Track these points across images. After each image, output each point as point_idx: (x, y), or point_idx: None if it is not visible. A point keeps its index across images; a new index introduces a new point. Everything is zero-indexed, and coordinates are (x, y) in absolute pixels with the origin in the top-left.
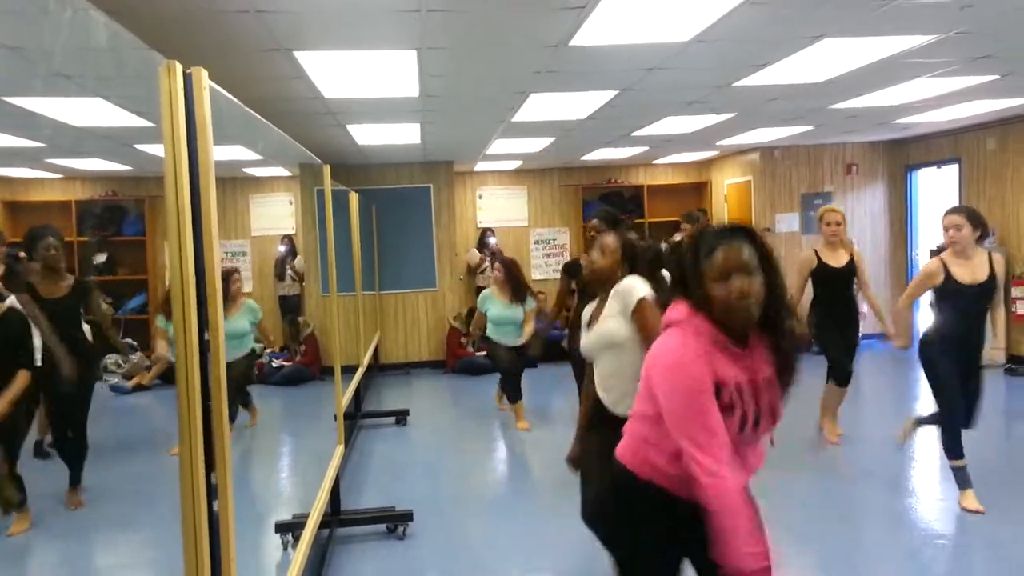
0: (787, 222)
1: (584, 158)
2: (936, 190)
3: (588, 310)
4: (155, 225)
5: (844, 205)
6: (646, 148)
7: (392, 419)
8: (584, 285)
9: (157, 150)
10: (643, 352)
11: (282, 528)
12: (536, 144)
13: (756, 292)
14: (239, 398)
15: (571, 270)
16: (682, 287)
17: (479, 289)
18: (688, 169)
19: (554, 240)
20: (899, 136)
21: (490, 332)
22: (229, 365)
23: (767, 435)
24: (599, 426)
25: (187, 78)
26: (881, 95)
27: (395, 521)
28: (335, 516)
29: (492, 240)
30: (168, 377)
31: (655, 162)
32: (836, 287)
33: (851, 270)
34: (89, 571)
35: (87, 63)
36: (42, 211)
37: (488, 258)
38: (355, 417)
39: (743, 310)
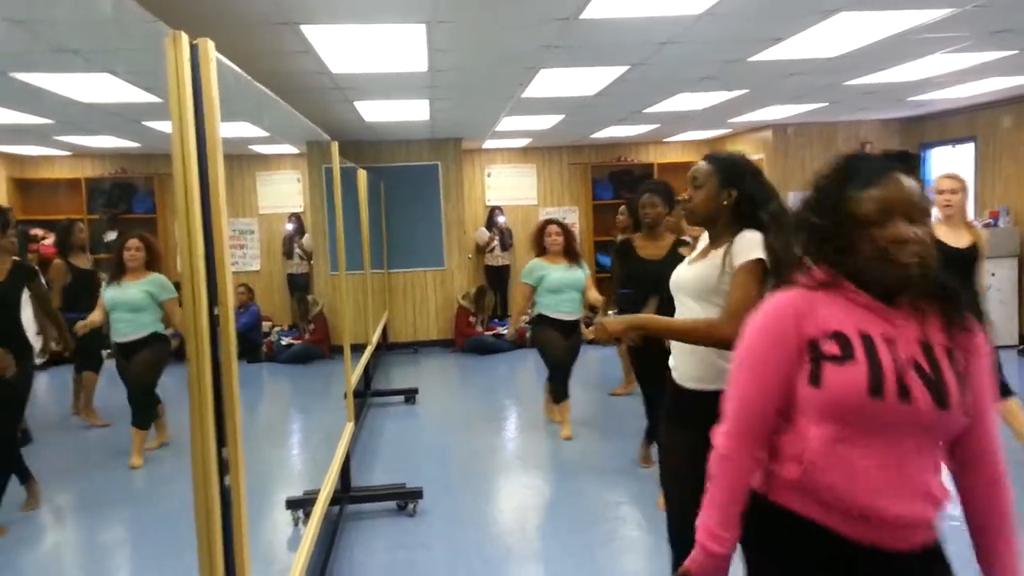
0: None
1: (594, 136)
2: (951, 169)
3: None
4: (165, 202)
5: None
6: (657, 125)
7: (401, 397)
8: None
9: (165, 127)
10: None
11: (293, 504)
12: (546, 121)
13: (926, 246)
14: (144, 399)
15: (623, 252)
16: (813, 247)
17: (488, 268)
18: (700, 147)
19: (563, 219)
20: (914, 114)
21: (544, 306)
22: (127, 349)
23: (939, 427)
24: (676, 415)
25: (193, 49)
26: (896, 71)
27: (405, 498)
28: (346, 493)
29: (501, 219)
30: (178, 353)
31: (666, 140)
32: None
33: (972, 255)
34: (99, 547)
35: (93, 36)
36: (51, 189)
37: (497, 237)
38: (364, 395)
39: (901, 266)
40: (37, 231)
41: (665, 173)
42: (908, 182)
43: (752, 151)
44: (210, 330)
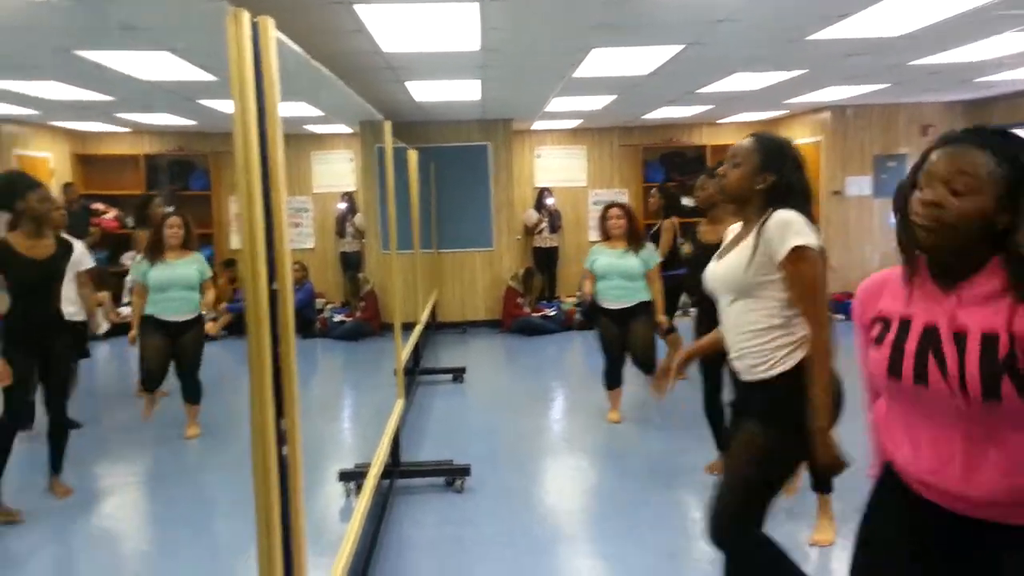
0: (858, 185)
1: (645, 117)
2: None
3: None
4: (220, 180)
5: None
6: (710, 106)
7: (449, 376)
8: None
9: (221, 105)
10: (784, 309)
11: (345, 476)
12: (597, 102)
13: (945, 210)
14: (196, 376)
15: (692, 236)
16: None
17: (536, 250)
18: (753, 129)
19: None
20: (980, 95)
21: (597, 293)
22: (178, 327)
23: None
24: (741, 405)
25: (254, 27)
26: (965, 51)
27: (453, 475)
28: (395, 467)
29: (550, 200)
30: (232, 328)
31: (719, 121)
32: None
33: None
34: (164, 515)
35: (156, 14)
36: (112, 165)
37: (545, 218)
38: (413, 373)
39: (916, 228)
40: (98, 205)
41: (717, 156)
42: (958, 151)
43: (809, 134)
44: (269, 305)
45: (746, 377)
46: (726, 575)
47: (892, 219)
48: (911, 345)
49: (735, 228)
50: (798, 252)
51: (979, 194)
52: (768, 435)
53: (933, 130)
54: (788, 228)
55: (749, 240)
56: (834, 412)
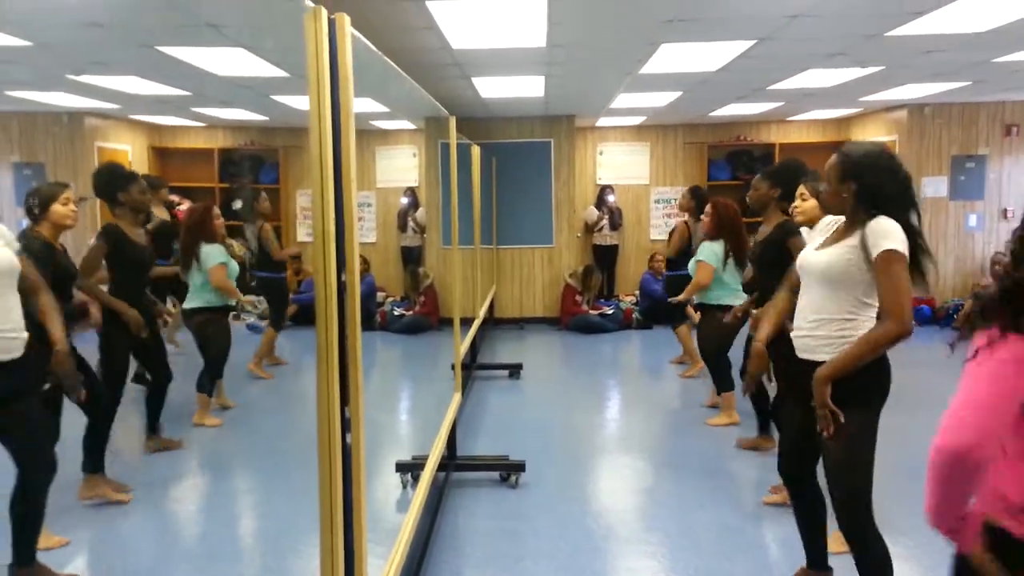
0: (934, 186)
1: (712, 114)
2: None
3: (820, 237)
4: (288, 174)
5: (1000, 170)
6: (781, 103)
7: (506, 372)
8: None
9: (292, 101)
10: (858, 306)
11: (402, 468)
12: (662, 98)
13: None
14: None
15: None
16: None
17: (596, 247)
18: (826, 126)
19: (675, 200)
20: None
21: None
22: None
23: None
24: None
25: (331, 24)
26: None
27: (508, 470)
28: (451, 460)
29: (611, 198)
30: (298, 318)
31: (789, 119)
32: None
33: None
34: (231, 492)
35: (234, 11)
36: (187, 157)
37: (606, 216)
38: (470, 368)
39: None
40: (173, 197)
41: (787, 153)
42: None
43: (883, 132)
44: (338, 295)
45: (806, 355)
46: (862, 565)
47: (970, 223)
48: None
49: (827, 221)
50: (890, 253)
51: None
52: (852, 408)
53: (1017, 130)
54: (886, 234)
55: (853, 239)
56: (878, 398)
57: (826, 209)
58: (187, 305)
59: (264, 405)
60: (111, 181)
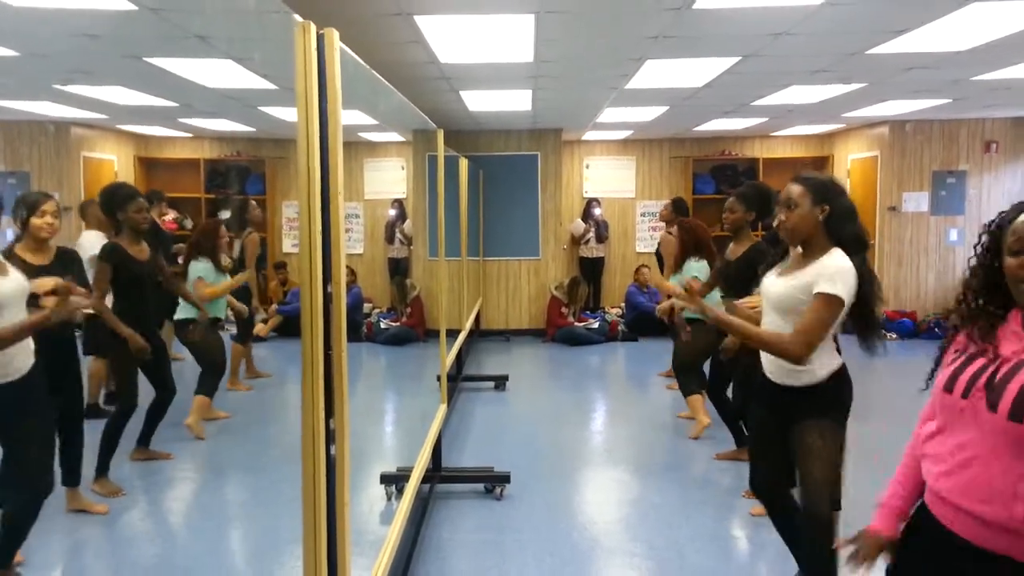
0: (915, 201)
1: (697, 129)
2: None
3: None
4: (275, 185)
5: (980, 186)
6: (765, 119)
7: (491, 384)
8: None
9: (279, 113)
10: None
11: (387, 479)
12: (648, 113)
13: None
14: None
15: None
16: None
17: (582, 260)
18: (809, 142)
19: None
20: None
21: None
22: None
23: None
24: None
25: (320, 38)
26: None
27: (493, 482)
28: (436, 472)
29: (597, 211)
30: (281, 329)
31: (773, 134)
32: None
33: None
34: (214, 503)
35: (222, 24)
36: (173, 168)
37: (592, 228)
38: (456, 379)
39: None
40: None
41: (771, 168)
42: None
43: (865, 148)
44: (324, 307)
45: (785, 381)
46: (813, 547)
47: (951, 238)
48: (971, 369)
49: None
50: (828, 297)
51: None
52: (827, 425)
53: (997, 147)
54: (832, 277)
55: (807, 275)
56: (842, 406)
57: (792, 235)
58: (178, 316)
59: (249, 417)
60: (110, 200)
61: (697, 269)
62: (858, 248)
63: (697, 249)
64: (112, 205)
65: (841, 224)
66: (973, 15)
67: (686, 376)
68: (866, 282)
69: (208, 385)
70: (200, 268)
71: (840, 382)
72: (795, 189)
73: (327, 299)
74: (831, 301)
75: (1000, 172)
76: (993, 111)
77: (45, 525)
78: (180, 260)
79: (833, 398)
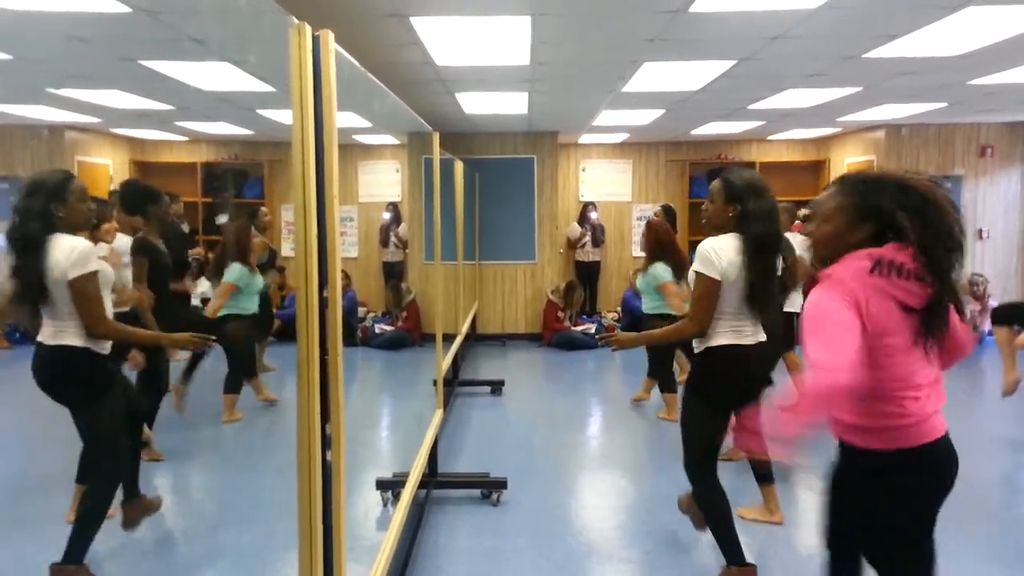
0: None
1: (693, 132)
2: None
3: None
4: (273, 188)
5: (975, 190)
6: (761, 123)
7: (488, 388)
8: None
9: (277, 115)
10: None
11: (383, 485)
12: (645, 116)
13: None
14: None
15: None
16: None
17: (578, 263)
18: (805, 146)
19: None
20: None
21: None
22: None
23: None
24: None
25: (315, 40)
26: None
27: (489, 487)
28: (432, 477)
29: (593, 215)
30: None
31: (769, 138)
32: None
33: None
34: (208, 506)
35: (218, 26)
36: (170, 172)
37: (589, 232)
38: (452, 384)
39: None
40: None
41: (767, 172)
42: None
43: (861, 152)
44: (319, 311)
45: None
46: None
47: None
48: None
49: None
50: (696, 274)
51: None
52: (688, 399)
53: (992, 151)
54: (698, 254)
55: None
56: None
57: (707, 223)
58: (222, 313)
59: (244, 422)
60: (139, 198)
61: (663, 270)
62: (759, 248)
63: (662, 251)
64: (142, 202)
65: (749, 223)
66: (968, 20)
67: (662, 371)
68: (751, 269)
69: (237, 383)
70: (236, 271)
71: (711, 359)
72: (714, 185)
73: (322, 303)
74: (697, 278)
75: (996, 177)
76: (988, 115)
77: (46, 525)
78: (191, 259)
79: (701, 372)
